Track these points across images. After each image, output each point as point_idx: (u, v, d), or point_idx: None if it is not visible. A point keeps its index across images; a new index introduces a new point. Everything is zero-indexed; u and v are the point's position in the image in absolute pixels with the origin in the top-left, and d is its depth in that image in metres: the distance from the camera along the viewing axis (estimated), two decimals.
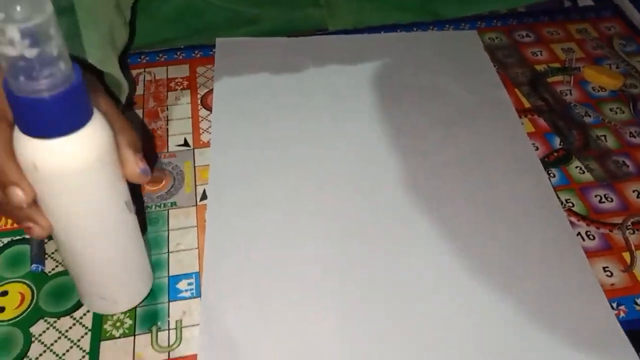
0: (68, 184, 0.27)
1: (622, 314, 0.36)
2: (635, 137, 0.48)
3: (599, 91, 0.52)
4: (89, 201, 0.28)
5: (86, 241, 0.30)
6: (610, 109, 0.51)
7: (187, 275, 0.38)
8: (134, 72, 0.52)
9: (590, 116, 0.50)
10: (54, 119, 0.25)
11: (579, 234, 0.41)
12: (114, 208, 0.29)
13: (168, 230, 0.40)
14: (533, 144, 0.47)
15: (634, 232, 0.41)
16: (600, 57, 0.56)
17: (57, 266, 0.38)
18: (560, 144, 0.47)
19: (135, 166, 0.30)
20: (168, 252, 0.39)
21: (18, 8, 0.22)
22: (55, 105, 0.24)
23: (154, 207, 0.42)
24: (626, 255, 0.40)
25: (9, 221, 0.40)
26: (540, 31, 0.59)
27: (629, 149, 0.47)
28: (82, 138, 0.26)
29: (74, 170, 0.26)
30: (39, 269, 0.37)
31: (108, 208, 0.29)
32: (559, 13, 0.61)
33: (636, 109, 0.51)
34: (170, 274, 0.38)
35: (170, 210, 0.41)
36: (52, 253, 0.38)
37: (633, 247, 0.40)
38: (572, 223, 0.41)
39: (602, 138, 0.48)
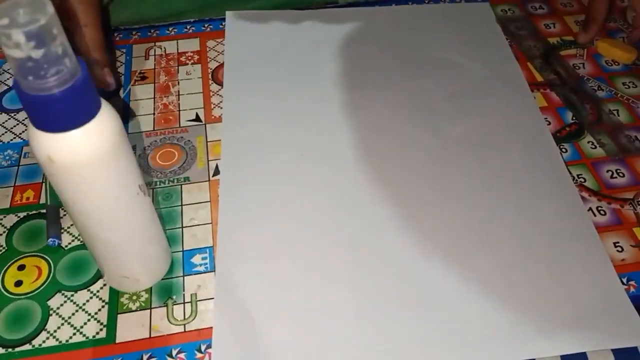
0: (84, 174, 0.27)
1: (632, 289, 0.36)
2: None
3: (611, 65, 0.52)
4: (104, 188, 0.29)
5: (105, 227, 0.30)
6: (623, 83, 0.50)
7: (201, 250, 0.38)
8: (145, 46, 0.52)
9: (603, 90, 0.49)
10: (65, 113, 0.26)
11: (590, 209, 0.41)
12: (129, 193, 0.30)
13: (182, 205, 0.41)
14: (545, 118, 0.47)
15: None
16: (614, 29, 0.55)
17: (73, 240, 0.38)
18: (572, 119, 0.47)
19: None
20: (182, 226, 0.39)
21: (21, 12, 0.23)
22: (65, 100, 0.25)
23: (167, 182, 0.42)
24: (637, 231, 0.40)
25: (25, 196, 0.41)
26: (554, 3, 0.58)
27: None
28: (94, 129, 0.27)
29: (88, 160, 0.27)
30: (56, 243, 0.38)
31: (123, 193, 0.30)
32: None
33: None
34: (185, 249, 0.38)
35: (183, 186, 0.42)
36: (69, 227, 0.39)
37: None
38: (583, 198, 0.41)
39: (615, 112, 0.48)
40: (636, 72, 0.51)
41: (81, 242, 0.38)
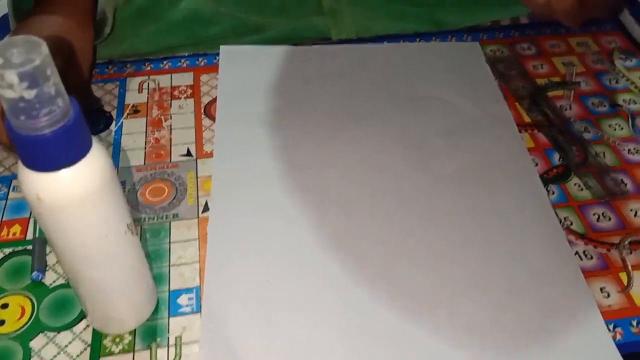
0: (72, 213, 0.27)
1: (618, 337, 0.37)
2: (633, 154, 0.49)
3: (598, 107, 0.53)
4: (92, 228, 0.29)
5: (91, 266, 0.30)
6: (610, 125, 0.51)
7: (188, 290, 0.38)
8: (138, 79, 0.53)
9: (589, 132, 0.50)
10: (56, 152, 0.26)
11: (576, 252, 0.41)
12: (117, 232, 0.30)
13: (170, 242, 0.40)
14: (533, 159, 0.48)
15: (631, 252, 0.41)
16: (601, 71, 0.56)
17: (57, 278, 0.38)
18: (559, 160, 0.48)
19: None
20: (169, 265, 0.39)
21: (15, 52, 0.23)
22: (56, 140, 0.25)
23: (156, 218, 0.42)
24: (623, 276, 0.40)
25: (11, 231, 0.41)
26: (542, 44, 0.59)
27: (627, 166, 0.48)
28: (83, 167, 0.27)
29: (76, 199, 0.27)
30: (39, 277, 0.37)
31: (111, 233, 0.30)
32: (561, 25, 0.61)
33: (635, 125, 0.51)
34: (171, 288, 0.38)
35: (172, 222, 0.42)
36: (54, 264, 0.39)
37: (630, 268, 0.40)
38: (570, 242, 0.42)
39: (601, 154, 0.48)
40: (622, 114, 0.52)
41: (66, 280, 0.38)
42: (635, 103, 0.53)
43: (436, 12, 0.60)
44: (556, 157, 0.48)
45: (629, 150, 0.49)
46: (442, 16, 0.60)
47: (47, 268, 0.38)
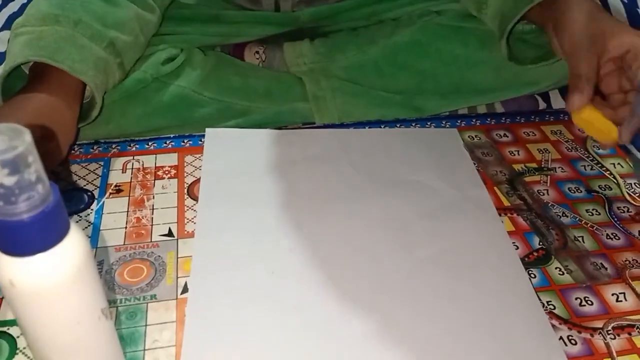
0: (46, 299, 0.27)
1: None
2: (612, 239, 0.49)
3: (574, 192, 0.54)
4: (65, 315, 0.28)
5: (64, 352, 0.29)
6: (587, 210, 0.52)
7: None
8: (123, 160, 0.53)
9: (567, 216, 0.51)
10: (32, 237, 0.25)
11: (561, 338, 0.41)
12: (91, 318, 0.29)
13: (146, 325, 0.39)
14: (513, 242, 0.48)
15: (614, 337, 0.41)
16: (575, 158, 0.58)
17: None
18: (539, 244, 0.48)
19: None
20: (144, 349, 0.38)
21: None
22: (33, 226, 0.24)
23: (132, 299, 0.41)
24: None
25: None
26: (517, 131, 0.61)
27: (606, 250, 0.48)
28: (59, 252, 0.26)
29: (51, 285, 0.26)
30: None
31: (85, 319, 0.29)
32: (535, 114, 0.64)
33: (611, 211, 0.52)
34: None
35: (149, 304, 0.41)
36: (24, 348, 0.37)
37: (615, 354, 0.40)
38: (554, 326, 0.41)
39: (580, 239, 0.49)
40: (598, 199, 0.53)
41: None
42: (611, 189, 0.55)
43: (415, 99, 0.62)
44: (536, 241, 0.49)
45: (607, 235, 0.50)
46: (421, 103, 0.62)
47: (17, 351, 0.37)
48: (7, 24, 0.74)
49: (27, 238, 0.25)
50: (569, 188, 0.54)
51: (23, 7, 0.61)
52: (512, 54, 0.56)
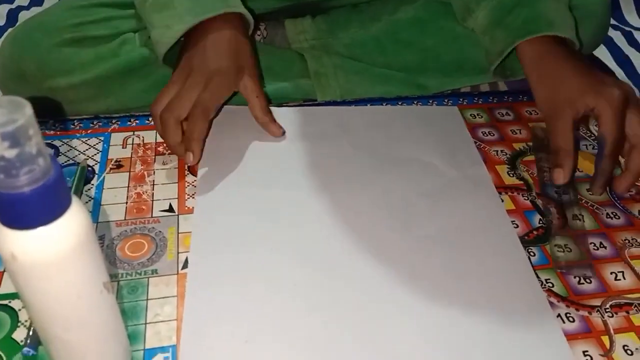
0: (47, 272, 0.27)
1: None
2: (611, 218, 0.49)
3: (577, 172, 0.54)
4: (67, 288, 0.28)
5: (64, 326, 0.29)
6: (587, 189, 0.52)
7: (163, 349, 0.37)
8: (123, 135, 0.53)
9: (568, 195, 0.51)
10: (34, 211, 0.25)
11: (559, 315, 0.41)
12: (92, 292, 0.29)
13: (147, 299, 0.39)
14: (513, 221, 0.48)
15: (612, 315, 0.41)
16: (578, 137, 0.58)
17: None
18: (539, 222, 0.48)
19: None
20: (145, 323, 0.38)
21: None
22: (34, 198, 0.24)
23: (134, 274, 0.41)
24: (605, 339, 0.40)
25: None
26: (520, 110, 0.61)
27: (606, 229, 0.48)
28: (61, 226, 0.26)
29: (53, 258, 0.26)
30: (30, 353, 0.36)
31: (86, 293, 0.29)
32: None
33: (612, 190, 0.52)
34: (147, 347, 0.37)
35: (150, 279, 0.41)
36: (25, 321, 0.37)
37: (612, 331, 0.40)
38: (552, 304, 0.42)
39: (580, 217, 0.49)
40: None
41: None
42: None
43: (418, 77, 0.62)
44: (536, 219, 0.49)
45: (607, 214, 0.50)
46: (424, 80, 0.62)
47: (19, 324, 0.37)
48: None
49: (28, 211, 0.25)
50: None
51: None
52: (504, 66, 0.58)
